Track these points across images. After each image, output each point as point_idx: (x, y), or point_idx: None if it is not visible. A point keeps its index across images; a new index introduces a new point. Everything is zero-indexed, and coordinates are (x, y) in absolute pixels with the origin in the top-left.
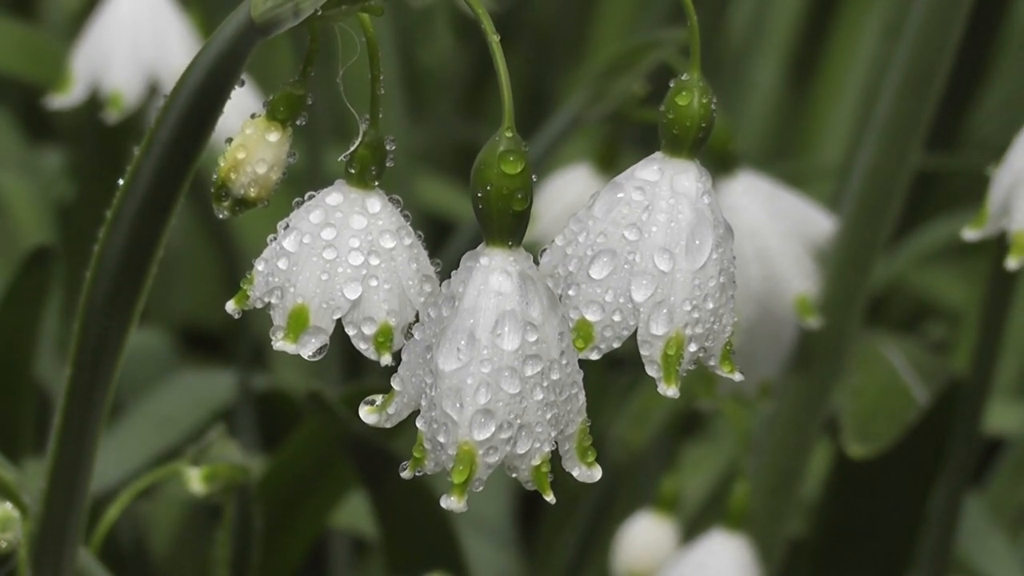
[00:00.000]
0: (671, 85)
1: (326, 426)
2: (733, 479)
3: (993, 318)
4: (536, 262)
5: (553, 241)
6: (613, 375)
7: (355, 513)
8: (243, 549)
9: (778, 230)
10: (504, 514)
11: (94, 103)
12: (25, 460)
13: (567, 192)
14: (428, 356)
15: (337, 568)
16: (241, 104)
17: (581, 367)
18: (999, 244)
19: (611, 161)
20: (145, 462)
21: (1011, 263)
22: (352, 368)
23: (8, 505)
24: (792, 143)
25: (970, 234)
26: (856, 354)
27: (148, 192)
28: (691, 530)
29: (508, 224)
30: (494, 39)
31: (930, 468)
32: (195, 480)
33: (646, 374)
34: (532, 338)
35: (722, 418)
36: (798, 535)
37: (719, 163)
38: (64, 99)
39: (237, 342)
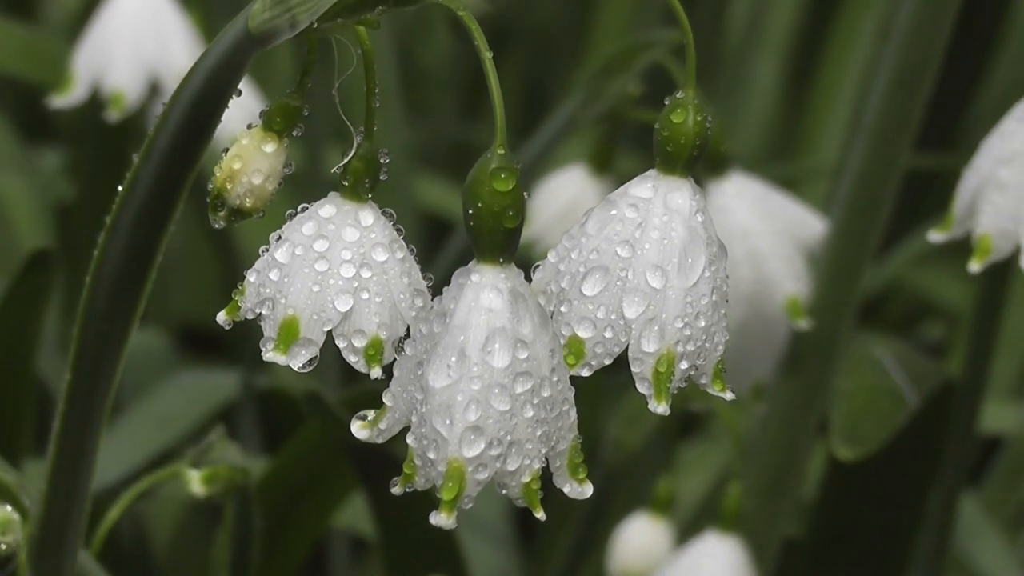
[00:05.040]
0: (666, 102)
1: (327, 427)
2: (728, 480)
3: (987, 318)
4: (530, 271)
5: (546, 257)
6: (609, 377)
7: (355, 514)
8: (243, 550)
9: (769, 231)
10: (502, 515)
11: (94, 103)
12: (25, 462)
13: (562, 193)
14: (419, 372)
15: (337, 568)
16: (246, 107)
17: (574, 377)
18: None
19: (606, 161)
20: (145, 461)
21: (974, 267)
22: (352, 371)
23: (8, 508)
24: (790, 144)
25: (936, 236)
26: (847, 356)
27: (147, 199)
28: (687, 531)
29: (499, 241)
30: (487, 56)
31: (926, 469)
32: (195, 482)
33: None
34: (523, 355)
35: (717, 419)
36: (794, 536)
37: (711, 164)
38: (65, 99)
39: (238, 342)
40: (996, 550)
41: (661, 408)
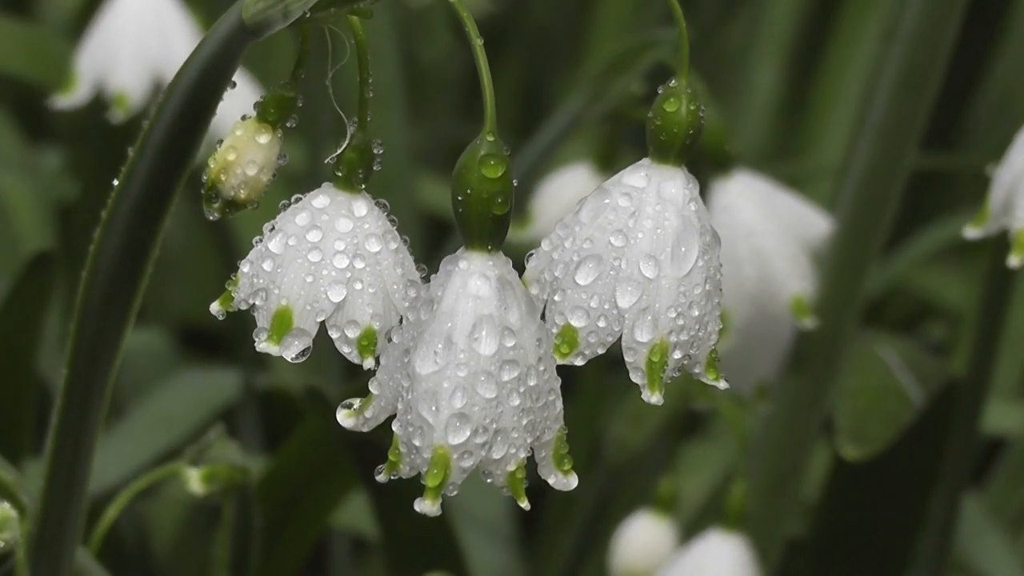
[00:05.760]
0: (659, 91)
1: (327, 424)
2: (731, 480)
3: (991, 318)
4: (524, 266)
5: (540, 246)
6: (612, 376)
7: (355, 513)
8: (242, 549)
9: (774, 230)
10: (504, 514)
11: (96, 103)
12: (25, 460)
13: (566, 191)
14: (405, 360)
15: (337, 568)
16: (243, 99)
17: (578, 368)
18: (998, 244)
19: (610, 160)
20: (146, 461)
21: (1013, 261)
22: (353, 368)
23: (6, 505)
24: (792, 144)
25: (971, 232)
26: (852, 355)
27: (142, 193)
28: (690, 531)
29: (488, 228)
30: (477, 43)
31: (929, 468)
32: (194, 481)
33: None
34: (510, 343)
35: (720, 419)
36: (797, 536)
37: (716, 163)
38: (68, 99)
39: (238, 341)
40: (998, 551)
41: (655, 398)
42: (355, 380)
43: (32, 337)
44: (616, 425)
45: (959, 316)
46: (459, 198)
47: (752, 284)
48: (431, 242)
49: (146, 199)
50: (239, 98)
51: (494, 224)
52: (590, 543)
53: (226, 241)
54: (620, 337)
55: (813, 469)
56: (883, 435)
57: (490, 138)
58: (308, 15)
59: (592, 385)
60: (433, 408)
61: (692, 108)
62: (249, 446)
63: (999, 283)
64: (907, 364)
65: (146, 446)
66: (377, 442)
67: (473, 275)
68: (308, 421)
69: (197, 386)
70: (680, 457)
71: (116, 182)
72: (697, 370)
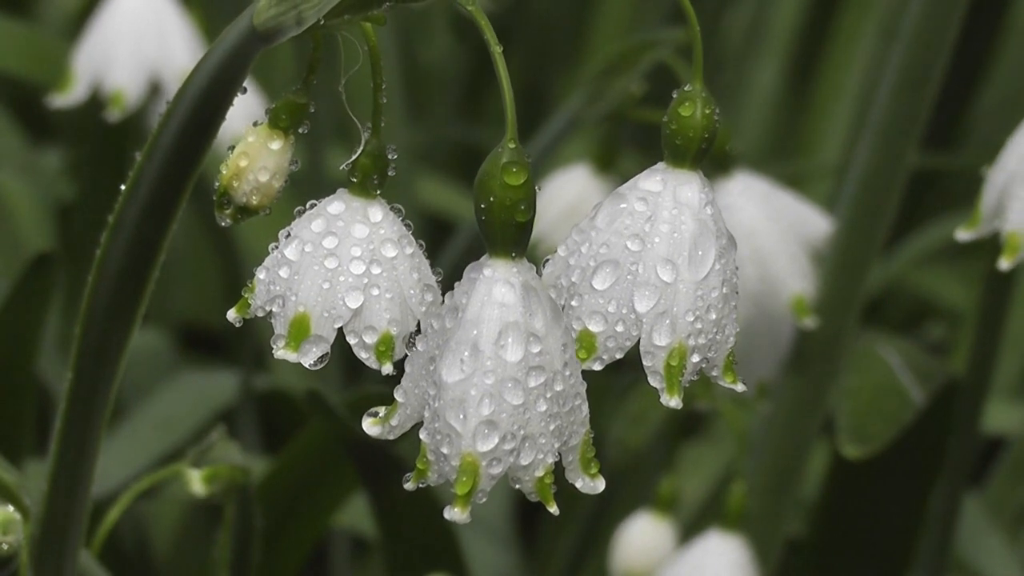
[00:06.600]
0: (674, 95)
1: (328, 427)
2: (731, 480)
3: (991, 318)
4: (535, 269)
5: (556, 252)
6: (613, 377)
7: (355, 513)
8: (243, 550)
9: (775, 230)
10: (504, 514)
11: (95, 102)
12: (26, 462)
13: (566, 192)
14: (431, 367)
15: (337, 568)
16: (247, 107)
17: (583, 373)
18: (997, 244)
19: (610, 161)
20: (148, 463)
21: (1004, 264)
22: (353, 371)
23: (9, 507)
24: (791, 144)
25: (963, 235)
26: (853, 355)
27: (150, 198)
28: (689, 530)
29: (511, 235)
30: (497, 50)
31: (929, 468)
32: (196, 481)
33: (646, 376)
34: (535, 349)
35: (720, 419)
36: (797, 535)
37: (716, 163)
38: (66, 98)
39: (238, 343)
40: (998, 550)
41: (674, 402)
42: (356, 384)
43: (32, 338)
44: (617, 425)
45: (958, 316)
46: (482, 206)
47: (753, 284)
48: (431, 242)
49: (154, 203)
50: (242, 104)
51: (517, 231)
52: (590, 543)
53: (226, 243)
54: (638, 342)
55: (813, 469)
56: (884, 434)
57: (511, 145)
58: (322, 22)
59: (593, 386)
60: (461, 416)
61: (707, 112)
62: (249, 447)
63: (999, 283)
64: (907, 363)
65: (148, 448)
66: (377, 445)
67: (498, 282)
68: (310, 424)
69: (197, 387)
70: (680, 457)
71: (123, 186)
72: (715, 373)
